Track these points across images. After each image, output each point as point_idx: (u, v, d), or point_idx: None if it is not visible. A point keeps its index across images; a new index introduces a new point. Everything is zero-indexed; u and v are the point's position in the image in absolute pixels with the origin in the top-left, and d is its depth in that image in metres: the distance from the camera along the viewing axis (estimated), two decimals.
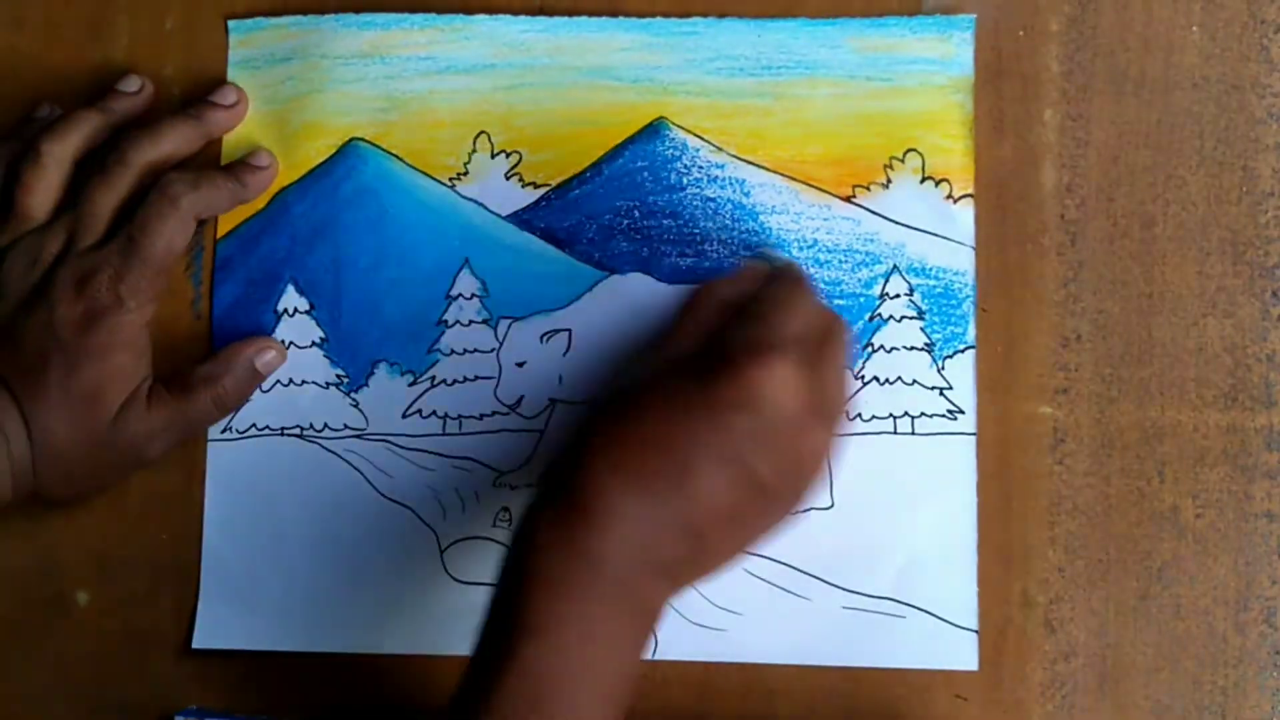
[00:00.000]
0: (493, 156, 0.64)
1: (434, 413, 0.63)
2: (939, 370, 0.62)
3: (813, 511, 0.61)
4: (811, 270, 0.63)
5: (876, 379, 0.62)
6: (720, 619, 0.61)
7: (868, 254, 0.63)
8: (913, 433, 0.62)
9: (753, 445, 0.51)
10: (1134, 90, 0.63)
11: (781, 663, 0.61)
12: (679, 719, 0.61)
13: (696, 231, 0.63)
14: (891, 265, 0.62)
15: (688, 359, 0.53)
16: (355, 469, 0.63)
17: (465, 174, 0.64)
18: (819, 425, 0.53)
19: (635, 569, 0.50)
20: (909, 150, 0.63)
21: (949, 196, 0.63)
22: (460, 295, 0.63)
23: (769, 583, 0.61)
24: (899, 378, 0.62)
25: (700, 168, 0.63)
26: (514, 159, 0.64)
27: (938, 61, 0.63)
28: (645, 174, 0.63)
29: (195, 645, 0.62)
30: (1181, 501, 0.62)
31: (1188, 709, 0.61)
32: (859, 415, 0.62)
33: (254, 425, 0.63)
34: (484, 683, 0.49)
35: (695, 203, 0.63)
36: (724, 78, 0.64)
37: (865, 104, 0.63)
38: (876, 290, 0.62)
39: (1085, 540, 0.62)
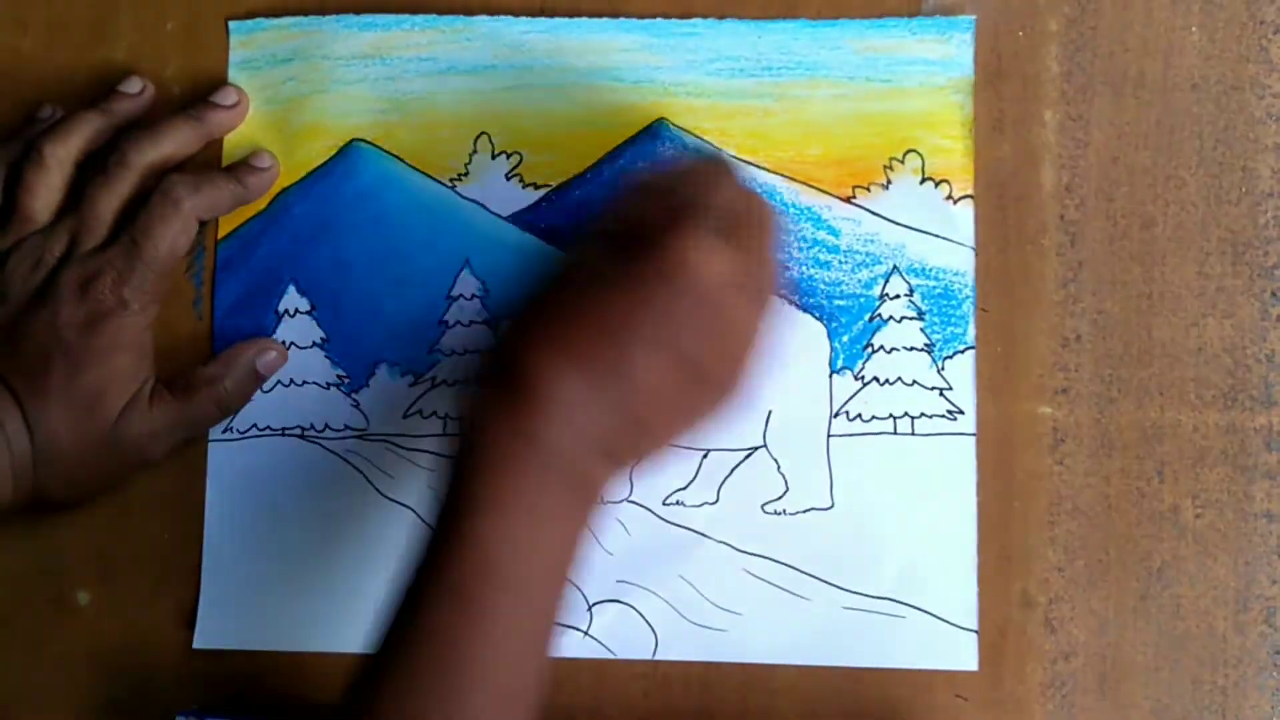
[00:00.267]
0: (493, 157, 0.64)
1: (435, 413, 0.63)
2: (939, 371, 0.62)
3: (813, 511, 0.62)
4: (811, 271, 0.63)
5: (876, 379, 0.62)
6: (720, 619, 0.61)
7: (868, 254, 0.63)
8: (913, 433, 0.62)
9: (680, 320, 0.51)
10: (1133, 91, 0.63)
11: (782, 663, 0.61)
12: (680, 719, 0.61)
13: None
14: (891, 266, 0.62)
15: (613, 238, 0.53)
16: (356, 469, 0.63)
17: (466, 175, 0.64)
18: (745, 300, 0.53)
19: (578, 448, 0.50)
20: (909, 151, 0.63)
21: (949, 197, 0.63)
22: (461, 296, 0.63)
23: (769, 583, 0.61)
24: (899, 378, 0.62)
25: None
26: (515, 160, 0.64)
27: (937, 62, 0.63)
28: None
29: (196, 645, 0.62)
30: (1181, 502, 0.62)
31: (1187, 709, 0.61)
32: (859, 415, 0.62)
33: (255, 426, 0.63)
34: (435, 560, 0.50)
35: None
36: (724, 79, 0.64)
37: (865, 105, 0.63)
38: (876, 291, 0.62)
39: (1085, 540, 0.62)
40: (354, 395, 0.63)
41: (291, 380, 0.63)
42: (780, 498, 0.62)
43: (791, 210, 0.63)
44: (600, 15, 0.64)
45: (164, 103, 0.65)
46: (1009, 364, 0.62)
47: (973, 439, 0.62)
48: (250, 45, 0.65)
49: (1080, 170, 0.63)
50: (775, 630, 0.61)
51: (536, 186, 0.64)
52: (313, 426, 0.63)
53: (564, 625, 0.61)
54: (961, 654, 0.61)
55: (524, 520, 0.50)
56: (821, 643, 0.61)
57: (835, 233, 0.63)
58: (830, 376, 0.62)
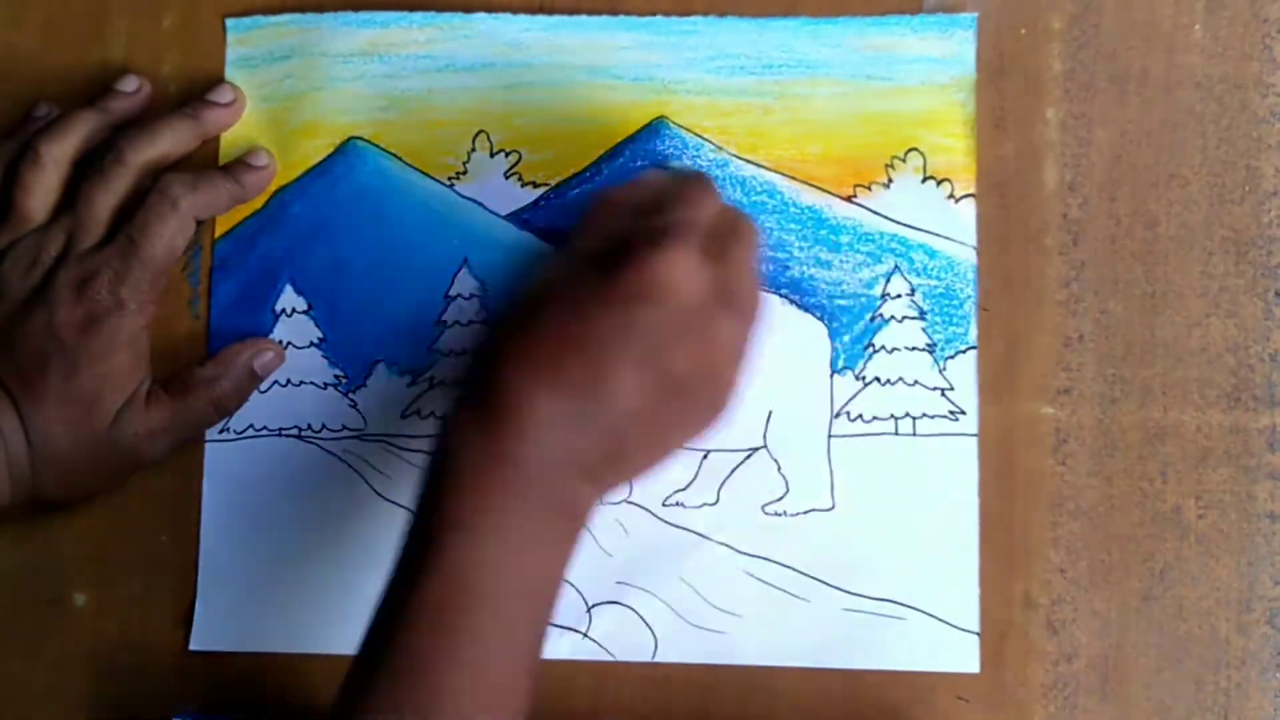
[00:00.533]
0: (492, 156, 0.64)
1: (433, 413, 0.63)
2: (940, 371, 0.62)
3: (813, 513, 0.61)
4: (812, 270, 0.62)
5: (878, 379, 0.62)
6: (720, 621, 0.61)
7: (869, 254, 0.62)
8: (914, 434, 0.62)
9: (661, 338, 0.50)
10: (1136, 89, 0.63)
11: (782, 665, 0.61)
12: None
13: None
14: (893, 265, 0.62)
15: (591, 256, 0.53)
16: (354, 469, 0.63)
17: (464, 173, 0.64)
18: (728, 316, 0.52)
19: (555, 469, 0.50)
20: (910, 149, 0.63)
21: (950, 196, 0.63)
22: (459, 295, 0.63)
23: (769, 584, 0.61)
24: (900, 379, 0.62)
25: (701, 167, 0.63)
26: (513, 158, 0.64)
27: (939, 60, 0.63)
28: None
29: (193, 646, 0.62)
30: (1184, 502, 0.62)
31: (1190, 710, 0.61)
32: (860, 416, 0.62)
33: (252, 426, 0.63)
34: (409, 578, 0.49)
35: None
36: (724, 77, 0.63)
37: (866, 103, 0.63)
38: (878, 290, 0.62)
39: (1087, 541, 0.61)
40: (351, 395, 0.63)
41: (289, 380, 0.63)
42: (780, 499, 0.62)
43: (792, 209, 0.63)
44: (600, 13, 0.64)
45: (161, 101, 0.65)
46: (1011, 364, 0.62)
47: (974, 439, 0.62)
48: (247, 43, 0.65)
49: (1083, 169, 0.63)
50: (775, 632, 0.61)
51: (535, 185, 0.64)
52: (310, 426, 0.63)
53: (559, 626, 0.61)
54: (963, 656, 0.61)
55: (500, 542, 0.49)
56: (822, 645, 0.61)
57: (836, 232, 0.63)
58: (831, 377, 0.62)
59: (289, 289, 0.64)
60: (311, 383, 0.63)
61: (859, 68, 0.63)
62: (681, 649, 0.61)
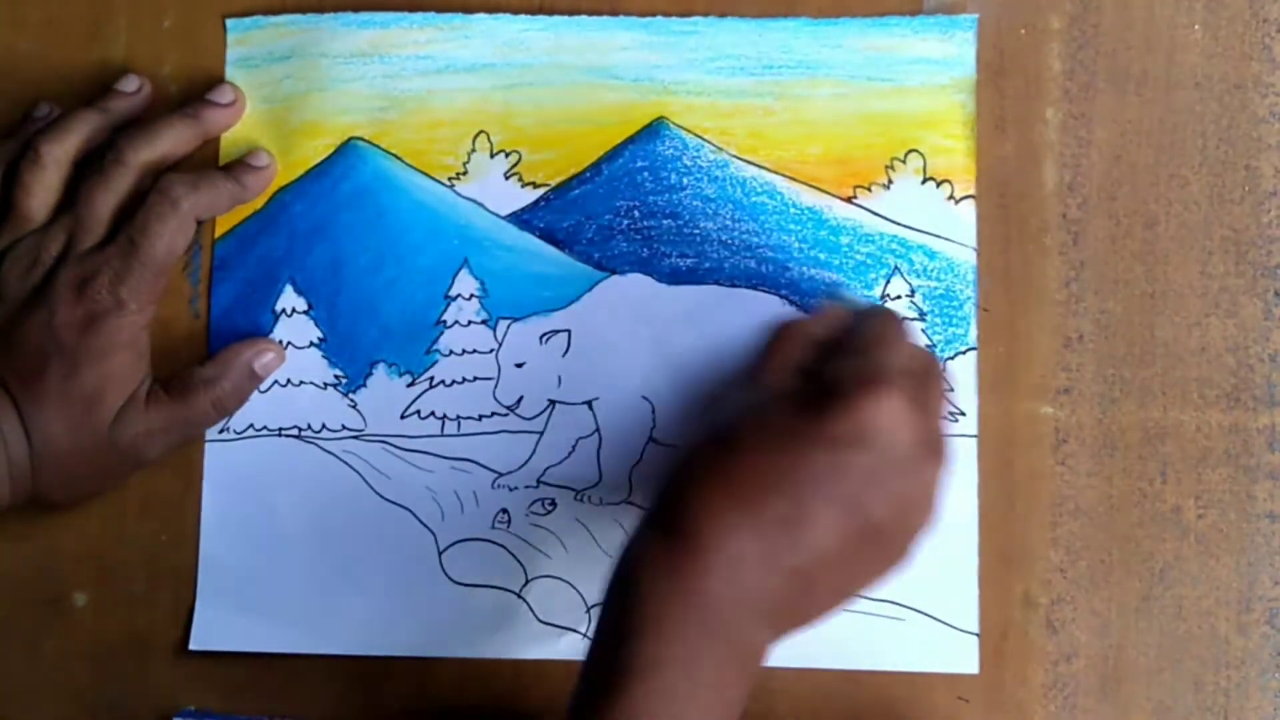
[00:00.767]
0: (492, 156, 0.64)
1: (432, 413, 0.63)
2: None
3: None
4: (812, 271, 0.63)
5: None
6: None
7: (869, 255, 0.62)
8: None
9: (867, 484, 0.49)
10: (1136, 89, 0.63)
11: (781, 665, 0.61)
12: None
13: (697, 232, 0.63)
14: (893, 266, 0.62)
15: (791, 394, 0.51)
16: (353, 470, 0.63)
17: (464, 173, 0.64)
18: (931, 461, 0.51)
19: (742, 612, 0.48)
20: (910, 150, 0.63)
21: (950, 197, 0.63)
22: (459, 295, 0.63)
23: None
24: None
25: (701, 168, 0.63)
26: (513, 159, 0.64)
27: (939, 61, 0.63)
28: (645, 174, 0.63)
29: (193, 646, 0.62)
30: (1184, 502, 0.62)
31: (1190, 710, 0.61)
32: None
33: (252, 426, 0.63)
34: (590, 713, 0.48)
35: (695, 203, 0.63)
36: (725, 77, 0.63)
37: (866, 104, 0.63)
38: (878, 291, 0.62)
39: (1087, 541, 0.61)
40: (351, 395, 0.63)
41: (289, 380, 0.63)
42: None
43: (792, 210, 0.63)
44: (600, 13, 0.64)
45: (161, 101, 0.65)
46: (1011, 364, 0.62)
47: (974, 440, 0.62)
48: (247, 43, 0.65)
49: (1082, 169, 0.63)
50: None
51: (535, 185, 0.64)
52: (310, 426, 0.63)
53: (559, 626, 0.61)
54: (962, 656, 0.61)
55: (685, 689, 0.48)
56: (821, 645, 0.60)
57: (836, 233, 0.63)
58: None
59: (289, 289, 0.64)
60: (311, 383, 0.63)
61: (859, 68, 0.63)
62: None
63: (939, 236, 0.62)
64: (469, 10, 0.64)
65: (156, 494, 0.63)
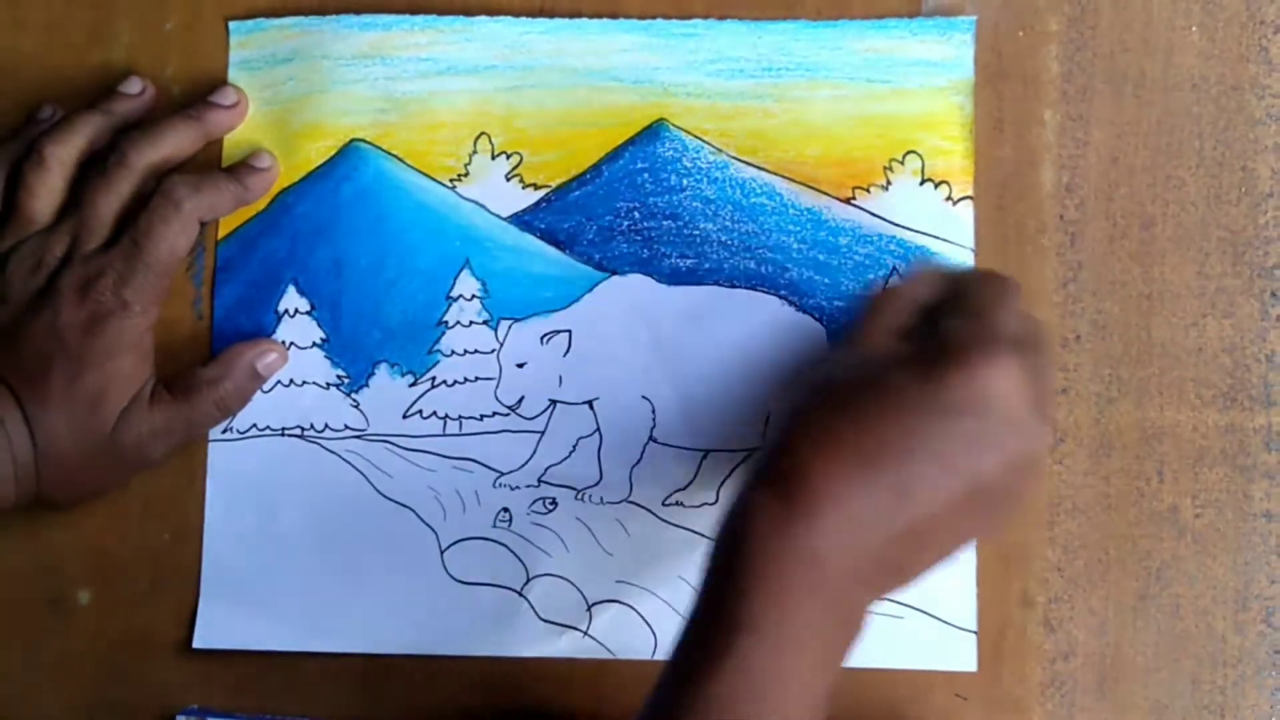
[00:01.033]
0: (493, 158, 0.64)
1: (434, 413, 0.63)
2: None
3: None
4: (811, 272, 0.63)
5: None
6: None
7: (867, 256, 0.63)
8: None
9: (980, 447, 0.49)
10: (1133, 91, 0.63)
11: None
12: None
13: (697, 233, 0.63)
14: (891, 267, 0.62)
15: (905, 357, 0.51)
16: (356, 469, 0.63)
17: (466, 175, 0.64)
18: (1041, 429, 0.51)
19: (849, 573, 0.48)
20: (909, 152, 0.63)
21: (948, 198, 0.63)
22: (461, 296, 0.63)
23: None
24: None
25: (700, 169, 0.63)
26: (514, 160, 0.64)
27: (938, 63, 0.63)
28: (645, 175, 0.63)
29: (196, 645, 0.62)
30: (1180, 501, 0.62)
31: (1187, 708, 0.61)
32: None
33: (254, 425, 0.63)
34: (696, 675, 0.47)
35: (695, 204, 0.63)
36: (724, 79, 0.64)
37: (865, 106, 0.63)
38: None
39: (1084, 540, 0.62)
40: (354, 395, 0.63)
41: (291, 380, 0.63)
42: None
43: (791, 211, 0.63)
44: (600, 16, 0.64)
45: (164, 103, 0.65)
46: None
47: None
48: (250, 45, 0.65)
49: (1080, 170, 0.63)
50: None
51: (536, 187, 0.64)
52: (312, 426, 0.63)
53: (559, 624, 0.62)
54: (961, 654, 0.61)
55: (794, 648, 0.47)
56: None
57: (835, 234, 0.63)
58: None
59: (292, 290, 0.64)
60: (314, 383, 0.63)
61: (858, 70, 0.63)
62: None
63: (937, 237, 0.63)
64: (470, 12, 0.64)
65: (160, 493, 0.63)
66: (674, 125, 0.63)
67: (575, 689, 0.62)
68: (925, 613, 0.61)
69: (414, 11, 0.64)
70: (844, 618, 0.49)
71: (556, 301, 0.63)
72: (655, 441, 0.62)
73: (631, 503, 0.62)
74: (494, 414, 0.63)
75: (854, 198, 0.63)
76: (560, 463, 0.63)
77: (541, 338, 0.63)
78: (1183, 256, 0.63)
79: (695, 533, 0.62)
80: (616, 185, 0.63)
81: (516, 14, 0.64)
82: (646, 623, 0.61)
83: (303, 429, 0.63)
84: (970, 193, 0.63)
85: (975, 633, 0.61)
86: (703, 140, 0.63)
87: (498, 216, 0.64)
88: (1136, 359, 0.62)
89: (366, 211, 0.64)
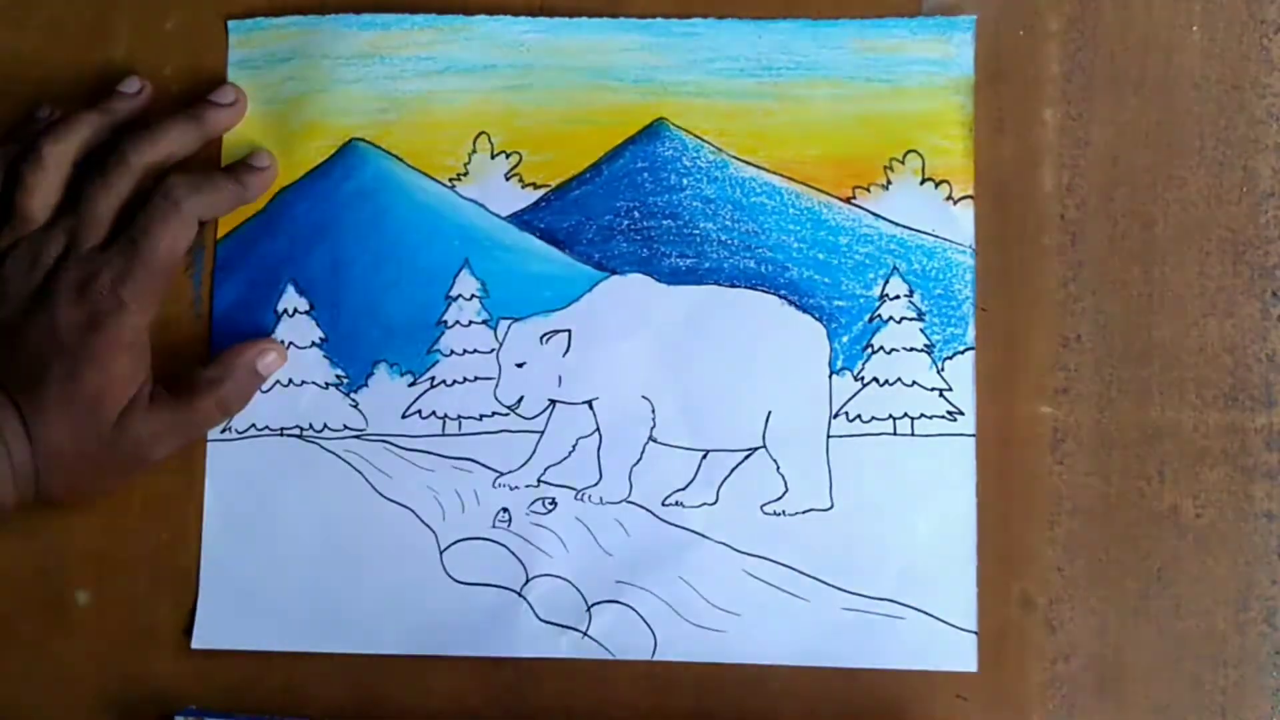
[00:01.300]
0: (493, 157, 0.64)
1: (433, 413, 0.63)
2: (939, 372, 0.62)
3: (812, 512, 0.62)
4: (811, 272, 0.63)
5: (876, 380, 0.62)
6: (720, 620, 0.61)
7: (868, 255, 0.63)
8: (912, 434, 0.62)
9: None
10: (1134, 90, 0.63)
11: (781, 664, 0.61)
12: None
13: (696, 232, 0.63)
14: (891, 266, 0.62)
15: None
16: (355, 469, 0.63)
17: (465, 174, 0.64)
18: None
19: None
20: (909, 151, 0.63)
21: (949, 197, 0.63)
22: (460, 296, 0.63)
23: (768, 584, 0.61)
24: (899, 379, 0.62)
25: (700, 168, 0.63)
26: (514, 159, 0.64)
27: (938, 62, 0.63)
28: (645, 174, 0.63)
29: (195, 645, 0.62)
30: (1181, 501, 0.62)
31: (1188, 709, 0.61)
32: (859, 416, 0.62)
33: (254, 425, 0.63)
34: None
35: (695, 203, 0.63)
36: (724, 78, 0.64)
37: (865, 105, 0.63)
38: (876, 292, 0.62)
39: (1085, 540, 0.62)
40: (353, 395, 0.63)
41: (290, 380, 0.63)
42: (779, 498, 0.62)
43: (791, 211, 0.63)
44: (600, 15, 0.64)
45: (163, 102, 0.65)
46: (1009, 364, 0.62)
47: (972, 440, 0.62)
48: (249, 44, 0.65)
49: (1081, 170, 0.63)
50: (774, 631, 0.61)
51: (536, 186, 0.64)
52: (311, 426, 0.63)
53: (559, 625, 0.62)
54: (961, 655, 0.61)
55: None
56: (821, 644, 0.61)
57: (835, 233, 0.63)
58: (830, 377, 0.62)
59: (291, 289, 0.64)
60: (313, 382, 0.63)
61: (858, 69, 0.63)
62: (681, 648, 0.61)
63: (938, 237, 0.63)
64: (470, 12, 0.64)
65: (159, 493, 0.63)
66: (674, 124, 0.63)
67: (575, 689, 0.62)
68: (925, 613, 0.61)
69: (413, 10, 0.64)
70: None
71: (556, 301, 0.63)
72: (655, 441, 0.62)
73: (631, 503, 0.62)
74: (493, 414, 0.63)
75: (854, 197, 0.63)
76: (560, 463, 0.63)
77: (541, 337, 0.63)
78: (1183, 256, 0.63)
79: (695, 533, 0.62)
80: (616, 185, 0.63)
81: (516, 13, 0.64)
82: (646, 623, 0.61)
83: (302, 429, 0.63)
84: (971, 192, 0.63)
85: (976, 633, 0.61)
86: (702, 139, 0.63)
87: (497, 216, 0.64)
88: (1137, 359, 0.62)
89: (365, 211, 0.64)
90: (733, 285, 0.63)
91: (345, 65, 0.64)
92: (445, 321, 0.63)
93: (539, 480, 0.63)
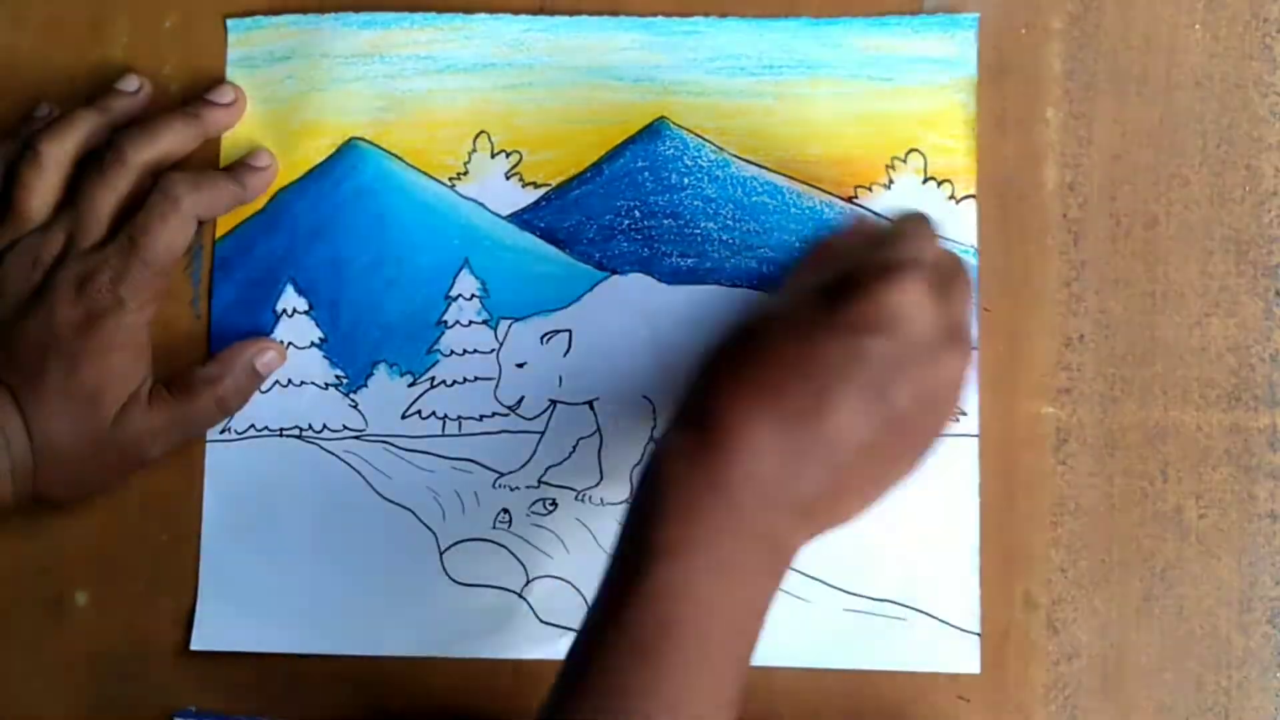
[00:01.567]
0: (493, 156, 0.64)
1: (433, 414, 0.63)
2: None
3: None
4: None
5: None
6: None
7: None
8: None
9: (889, 372, 0.49)
10: (1136, 89, 0.63)
11: (782, 665, 0.61)
12: None
13: (697, 231, 0.63)
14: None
15: (816, 289, 0.51)
16: (354, 470, 0.63)
17: (465, 174, 0.64)
18: (954, 351, 0.51)
19: (766, 502, 0.48)
20: (911, 150, 0.63)
21: (951, 197, 0.63)
22: (460, 296, 0.63)
23: None
24: None
25: (701, 168, 0.63)
26: (514, 159, 0.64)
27: (940, 61, 0.63)
28: (646, 174, 0.63)
29: (194, 646, 0.62)
30: (1185, 502, 0.62)
31: (1191, 710, 0.61)
32: None
33: (253, 426, 0.63)
34: (613, 605, 0.48)
35: (696, 203, 0.63)
36: (725, 77, 0.63)
37: (867, 104, 0.63)
38: None
39: (1088, 541, 0.61)
40: (352, 395, 0.63)
41: (289, 380, 0.63)
42: None
43: (793, 210, 0.63)
44: (600, 13, 0.64)
45: (162, 101, 0.64)
46: (1012, 364, 0.62)
47: (975, 440, 0.62)
48: (248, 43, 0.65)
49: (1083, 169, 0.63)
50: (776, 632, 0.60)
51: (536, 185, 0.64)
52: (311, 427, 0.63)
53: (559, 626, 0.61)
54: (963, 656, 0.61)
55: (708, 573, 0.48)
56: (822, 645, 0.61)
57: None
58: None
59: (290, 289, 0.64)
60: (312, 383, 0.63)
61: (860, 68, 0.63)
62: None
63: (940, 236, 0.62)
64: (470, 10, 0.64)
65: (158, 494, 0.63)
66: (675, 124, 0.63)
67: None
68: (928, 614, 0.61)
69: (413, 9, 0.64)
70: (767, 548, 0.49)
71: (556, 301, 0.63)
72: (656, 441, 0.62)
73: None
74: (494, 414, 0.63)
75: (856, 196, 0.63)
76: (560, 463, 0.63)
77: (541, 337, 0.63)
78: (1186, 255, 0.62)
79: None
80: (617, 184, 0.63)
81: (516, 12, 0.64)
82: None
83: (301, 429, 0.63)
84: (973, 191, 0.63)
85: (978, 634, 0.61)
86: (703, 139, 0.63)
87: (497, 215, 0.64)
88: (1140, 358, 0.62)
89: (365, 210, 0.64)
90: (734, 285, 0.63)
91: (345, 64, 0.64)
92: (445, 321, 0.63)
93: (539, 481, 0.62)
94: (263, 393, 0.63)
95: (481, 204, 0.64)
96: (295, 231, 0.64)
